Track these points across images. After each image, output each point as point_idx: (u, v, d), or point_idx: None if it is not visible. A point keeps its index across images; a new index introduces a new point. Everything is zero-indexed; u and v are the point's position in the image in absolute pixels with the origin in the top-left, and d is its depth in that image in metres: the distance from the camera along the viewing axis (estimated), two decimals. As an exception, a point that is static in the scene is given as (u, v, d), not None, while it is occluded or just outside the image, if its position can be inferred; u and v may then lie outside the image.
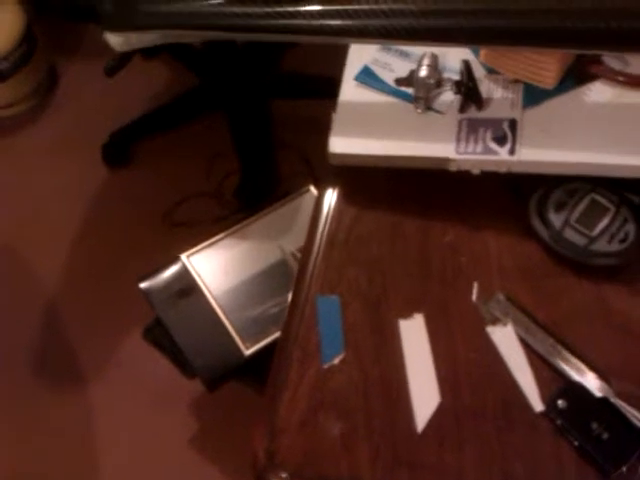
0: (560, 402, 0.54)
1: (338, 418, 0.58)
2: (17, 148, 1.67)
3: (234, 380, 1.11)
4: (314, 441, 0.58)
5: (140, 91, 1.67)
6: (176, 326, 1.09)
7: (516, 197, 0.65)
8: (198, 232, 1.16)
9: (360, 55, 0.73)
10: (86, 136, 1.62)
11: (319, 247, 0.68)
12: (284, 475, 0.56)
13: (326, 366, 0.61)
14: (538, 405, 0.56)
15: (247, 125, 1.56)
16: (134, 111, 1.61)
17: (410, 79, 0.68)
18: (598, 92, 0.65)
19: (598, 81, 0.65)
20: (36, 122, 1.69)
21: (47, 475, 1.30)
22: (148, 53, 1.63)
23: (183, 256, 1.13)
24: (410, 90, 0.69)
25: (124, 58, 1.35)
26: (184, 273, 1.12)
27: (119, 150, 1.60)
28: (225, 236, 1.16)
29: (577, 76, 0.66)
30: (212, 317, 1.08)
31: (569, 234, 0.61)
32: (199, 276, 1.11)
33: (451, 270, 0.64)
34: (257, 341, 1.06)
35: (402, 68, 0.70)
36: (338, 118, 0.69)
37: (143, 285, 1.11)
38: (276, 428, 0.59)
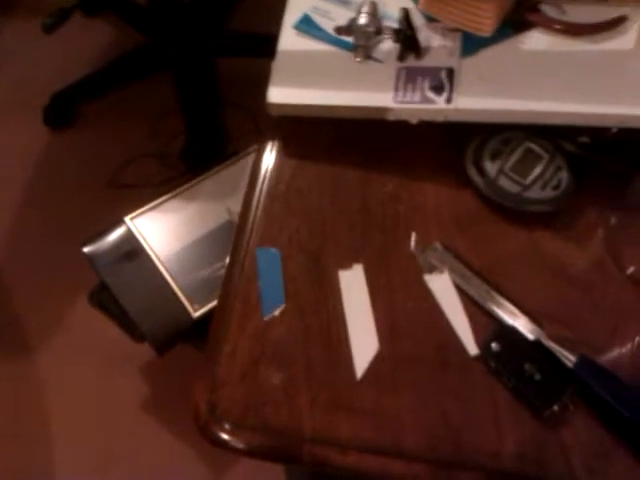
0: (494, 345, 0.55)
1: (278, 368, 0.58)
2: (-47, 109, 1.60)
3: (183, 343, 1.10)
4: (255, 392, 0.58)
5: (83, 50, 1.62)
6: (122, 290, 1.07)
7: (454, 147, 0.66)
8: (144, 194, 1.14)
9: (299, 3, 0.71)
10: (27, 96, 1.57)
11: (259, 200, 0.67)
12: (227, 426, 0.56)
13: (267, 318, 0.61)
14: (473, 349, 0.57)
15: (193, 84, 1.53)
16: (77, 71, 1.56)
17: (350, 27, 0.67)
18: (535, 40, 0.65)
19: (536, 29, 0.65)
20: (-29, 82, 1.63)
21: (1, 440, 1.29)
22: (89, 10, 1.57)
23: (127, 218, 1.11)
24: (350, 39, 0.68)
25: (62, 15, 1.30)
26: (129, 236, 1.10)
27: (61, 111, 1.56)
28: (171, 197, 1.14)
29: (515, 24, 0.65)
30: (159, 280, 1.07)
31: (504, 182, 0.61)
32: (144, 239, 1.10)
33: (390, 220, 0.64)
34: (205, 303, 1.05)
35: (342, 16, 0.69)
36: (277, 68, 0.68)
37: (86, 249, 1.09)
38: (217, 381, 0.58)
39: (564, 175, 0.61)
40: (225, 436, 0.56)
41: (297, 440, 0.55)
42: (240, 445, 0.56)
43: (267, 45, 1.56)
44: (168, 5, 1.50)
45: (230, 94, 1.53)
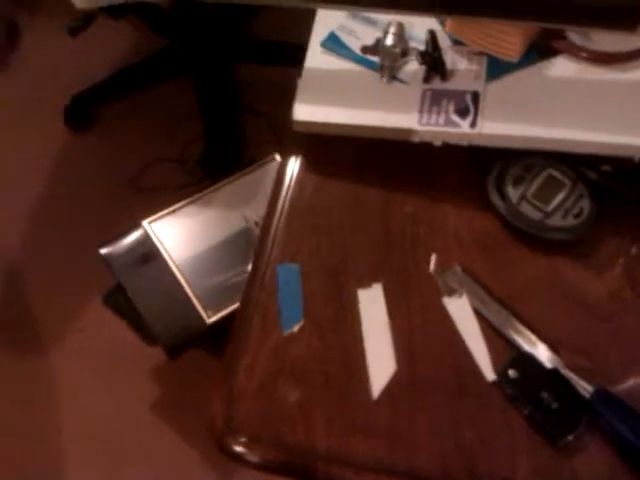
0: (511, 372, 0.56)
1: (296, 385, 0.59)
2: (-24, 106, 1.62)
3: (195, 348, 1.11)
4: (272, 407, 0.58)
5: (105, 52, 1.63)
6: (137, 292, 1.08)
7: (476, 170, 0.66)
8: (162, 198, 1.15)
9: (327, 21, 0.72)
10: (48, 97, 1.58)
11: (280, 215, 0.67)
12: (242, 439, 0.57)
13: (285, 333, 0.61)
14: (490, 375, 0.57)
15: (213, 90, 1.54)
16: (98, 72, 1.57)
17: (376, 47, 0.68)
18: (560, 67, 0.65)
19: (561, 56, 0.65)
20: (-4, 80, 1.65)
21: (7, 439, 1.30)
22: (115, 13, 1.58)
23: (145, 222, 1.12)
24: (376, 58, 0.68)
25: (88, 18, 1.31)
26: (146, 239, 1.11)
27: (82, 113, 1.57)
28: (189, 203, 1.15)
29: (541, 50, 0.66)
30: (174, 284, 1.08)
31: (525, 208, 0.62)
32: (161, 243, 1.10)
33: (410, 241, 0.65)
34: (219, 310, 1.06)
35: (368, 36, 0.70)
36: (303, 85, 0.69)
37: (103, 251, 1.10)
38: (234, 393, 0.59)
39: (586, 203, 0.61)
40: (240, 449, 0.57)
41: (312, 458, 0.56)
42: (255, 459, 0.57)
43: (287, 53, 1.57)
44: (191, 10, 1.51)
45: (248, 101, 1.53)
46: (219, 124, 1.52)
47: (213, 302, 1.07)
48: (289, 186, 0.69)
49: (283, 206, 0.68)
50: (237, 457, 0.57)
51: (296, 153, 0.71)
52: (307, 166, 0.70)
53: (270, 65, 1.56)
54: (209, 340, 1.08)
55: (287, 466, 0.57)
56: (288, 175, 0.70)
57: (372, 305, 0.62)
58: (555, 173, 0.63)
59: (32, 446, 1.28)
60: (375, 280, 0.63)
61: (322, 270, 0.64)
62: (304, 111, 0.68)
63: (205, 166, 1.46)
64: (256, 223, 1.12)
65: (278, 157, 1.15)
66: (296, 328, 0.61)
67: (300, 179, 0.69)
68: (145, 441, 1.27)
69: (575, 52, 0.65)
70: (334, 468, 0.55)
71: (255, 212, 1.14)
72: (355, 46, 0.70)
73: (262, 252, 0.66)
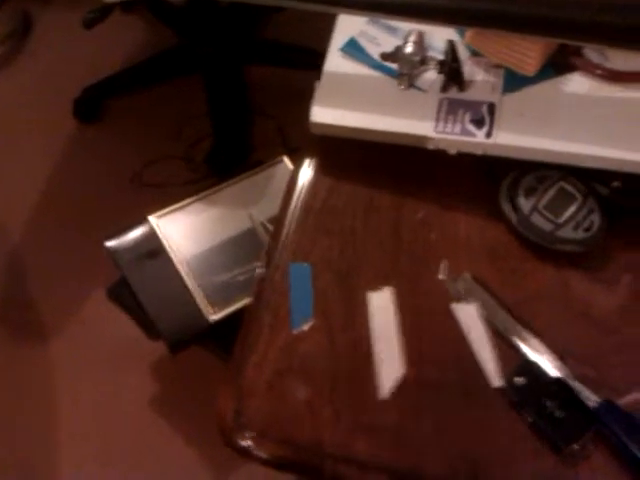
0: (517, 379, 0.57)
1: (304, 382, 0.60)
2: (-14, 94, 1.63)
3: (197, 345, 1.12)
4: (280, 404, 0.59)
5: (117, 46, 1.64)
6: (142, 287, 1.09)
7: (488, 180, 0.67)
8: (166, 194, 1.16)
9: (347, 26, 0.73)
10: (58, 88, 1.59)
11: (293, 215, 0.68)
12: (250, 435, 0.58)
13: (295, 332, 0.62)
14: (496, 381, 0.58)
15: (222, 89, 1.55)
16: (109, 66, 1.58)
17: (395, 55, 0.69)
18: (576, 83, 0.66)
19: (577, 73, 0.67)
20: (8, 68, 1.65)
21: (4, 427, 1.30)
22: (127, 6, 1.59)
23: (151, 217, 1.12)
24: (394, 66, 0.69)
25: (105, 11, 1.32)
26: (151, 235, 1.11)
27: (91, 105, 1.58)
28: (195, 200, 1.15)
29: (557, 66, 0.67)
30: (178, 280, 1.08)
31: (536, 219, 0.63)
32: (166, 239, 1.11)
33: (421, 246, 0.66)
34: (222, 308, 1.06)
35: (388, 43, 0.71)
36: (321, 88, 0.70)
37: (109, 244, 1.10)
38: (243, 390, 0.60)
39: (596, 217, 0.63)
40: (248, 445, 0.58)
41: (319, 455, 0.57)
42: (263, 455, 0.58)
43: (298, 57, 1.58)
44: (205, 8, 1.52)
45: (257, 102, 1.54)
46: (227, 124, 1.52)
47: (217, 300, 1.08)
48: (302, 187, 0.70)
49: (296, 206, 0.69)
50: (245, 452, 0.58)
51: (310, 155, 0.72)
52: (321, 168, 0.71)
53: (280, 68, 1.58)
54: (211, 337, 1.09)
55: (294, 463, 0.58)
56: (302, 176, 0.71)
57: (381, 307, 0.63)
58: (567, 186, 0.64)
59: (29, 438, 1.28)
60: (385, 283, 0.64)
61: (333, 271, 0.65)
62: (321, 113, 0.69)
63: (212, 164, 1.47)
64: (262, 224, 1.13)
65: (286, 159, 1.16)
66: (306, 327, 0.62)
67: (313, 181, 0.70)
68: (142, 436, 1.28)
69: (591, 69, 0.66)
70: (341, 466, 0.56)
71: (261, 213, 1.14)
72: (374, 52, 0.71)
73: (274, 251, 0.67)
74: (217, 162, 1.48)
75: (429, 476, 0.55)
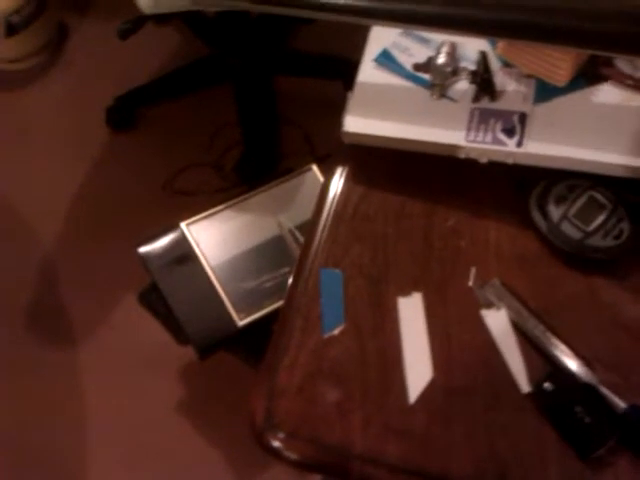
0: (546, 385, 0.57)
1: (335, 386, 0.61)
2: (23, 103, 1.67)
3: (225, 350, 1.13)
4: (310, 406, 0.60)
5: (149, 56, 1.67)
6: (172, 292, 1.11)
7: (519, 188, 0.68)
8: (197, 202, 1.18)
9: (381, 37, 0.75)
10: (92, 96, 1.62)
11: (326, 221, 0.70)
12: (281, 435, 0.59)
13: (326, 336, 0.63)
14: (525, 386, 0.59)
15: (253, 99, 1.57)
16: (141, 75, 1.62)
17: (428, 65, 0.70)
18: (607, 93, 0.67)
19: (608, 83, 0.67)
20: (44, 78, 1.69)
21: (30, 432, 1.32)
22: (161, 18, 1.63)
23: (183, 224, 1.14)
24: (427, 76, 0.71)
25: (139, 22, 1.35)
26: (183, 241, 1.14)
27: (124, 114, 1.61)
28: (225, 208, 1.17)
29: (588, 76, 0.68)
30: (208, 286, 1.10)
31: (566, 227, 0.64)
32: (197, 245, 1.13)
33: (451, 253, 0.67)
34: (250, 313, 1.08)
35: (421, 54, 0.72)
36: (354, 98, 0.71)
37: (142, 250, 1.13)
38: (275, 391, 0.61)
39: (626, 226, 0.63)
40: (278, 445, 0.59)
41: (347, 457, 0.58)
42: (293, 455, 0.59)
43: (327, 67, 1.60)
44: (235, 19, 1.55)
45: (286, 112, 1.57)
46: (257, 133, 1.55)
47: (245, 305, 1.09)
48: (335, 195, 0.71)
49: (329, 213, 0.70)
50: (275, 453, 0.59)
51: (342, 163, 0.73)
52: (353, 176, 0.72)
53: (307, 78, 1.60)
54: (239, 342, 1.11)
55: (323, 464, 0.59)
56: (334, 184, 0.72)
57: (411, 313, 0.64)
58: (596, 195, 0.64)
59: (58, 441, 1.30)
60: (415, 289, 0.65)
61: (364, 277, 0.66)
62: (354, 123, 0.70)
63: (241, 172, 1.50)
64: (290, 231, 1.15)
65: (314, 167, 1.17)
66: (337, 331, 0.63)
67: (346, 188, 0.72)
68: (168, 439, 1.29)
69: (621, 79, 0.67)
70: (369, 468, 0.57)
71: (290, 220, 1.16)
72: (407, 63, 0.72)
73: (306, 256, 0.68)
74: (246, 170, 1.50)
75: (458, 478, 0.56)
